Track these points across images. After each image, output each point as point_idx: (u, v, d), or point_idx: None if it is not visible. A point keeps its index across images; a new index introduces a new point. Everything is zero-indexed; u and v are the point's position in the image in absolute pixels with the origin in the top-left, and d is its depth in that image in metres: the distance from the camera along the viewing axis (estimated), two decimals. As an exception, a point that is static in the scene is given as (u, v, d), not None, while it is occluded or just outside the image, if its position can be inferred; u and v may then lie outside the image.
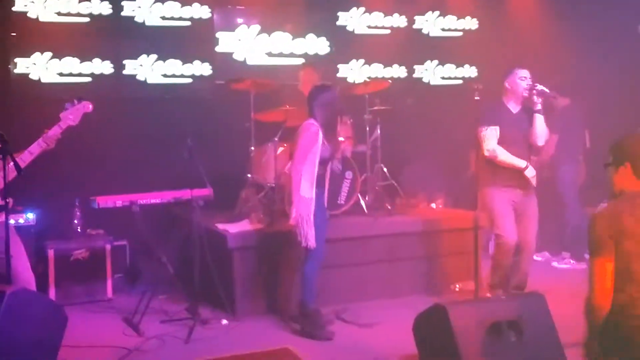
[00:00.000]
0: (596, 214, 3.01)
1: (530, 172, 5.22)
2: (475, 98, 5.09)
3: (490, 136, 5.22)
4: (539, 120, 5.23)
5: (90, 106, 4.48)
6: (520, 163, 5.20)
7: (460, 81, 8.26)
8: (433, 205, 6.80)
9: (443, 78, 8.25)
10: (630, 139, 3.10)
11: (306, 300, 4.96)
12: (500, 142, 5.21)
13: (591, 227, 2.96)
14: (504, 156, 5.21)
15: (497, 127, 5.24)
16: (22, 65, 6.40)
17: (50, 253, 5.73)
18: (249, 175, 6.15)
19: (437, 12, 8.18)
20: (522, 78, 5.25)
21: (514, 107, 5.34)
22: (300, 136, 4.90)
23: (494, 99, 5.39)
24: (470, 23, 8.37)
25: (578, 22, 7.72)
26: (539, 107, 5.20)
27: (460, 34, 8.33)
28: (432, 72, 8.20)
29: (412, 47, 8.04)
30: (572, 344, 3.70)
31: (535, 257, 6.36)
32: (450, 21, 8.27)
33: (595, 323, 2.96)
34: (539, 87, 5.19)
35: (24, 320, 3.39)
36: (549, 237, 6.84)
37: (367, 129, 6.47)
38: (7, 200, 3.93)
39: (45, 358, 3.55)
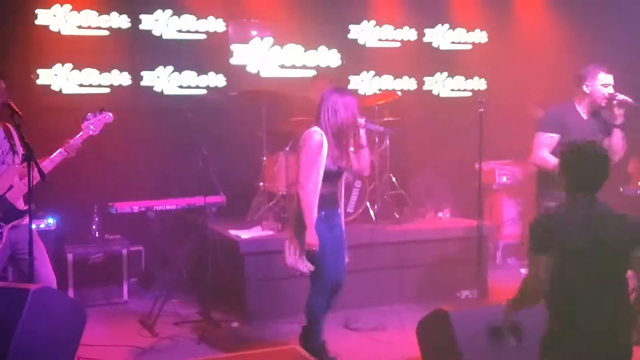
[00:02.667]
0: (539, 216, 3.14)
1: None
2: (480, 110, 5.20)
3: (540, 144, 4.77)
4: (618, 136, 4.75)
5: (111, 117, 4.66)
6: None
7: (470, 93, 8.39)
8: (440, 214, 6.95)
9: (452, 90, 8.40)
10: (571, 152, 3.09)
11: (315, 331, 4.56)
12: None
13: (534, 227, 3.04)
14: (552, 161, 4.60)
15: (556, 135, 4.77)
16: (45, 77, 6.63)
17: (70, 257, 5.95)
18: (261, 184, 6.35)
19: (446, 25, 8.32)
20: (605, 85, 4.77)
21: (584, 113, 4.88)
22: (302, 148, 4.39)
23: (563, 101, 5.01)
24: (480, 36, 8.50)
25: (588, 34, 7.84)
26: (620, 120, 4.73)
27: (469, 46, 8.47)
28: (441, 85, 8.36)
29: (421, 59, 8.18)
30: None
31: None
32: (460, 34, 8.41)
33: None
34: (620, 96, 4.71)
35: (46, 316, 3.59)
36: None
37: (377, 139, 6.65)
38: (31, 204, 4.14)
39: (65, 353, 3.75)
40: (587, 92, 4.81)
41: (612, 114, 4.81)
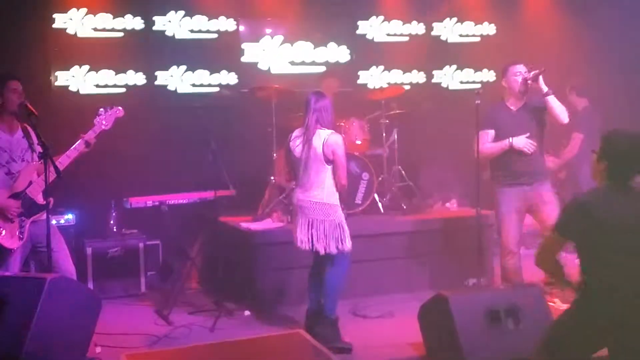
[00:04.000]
0: (574, 200, 3.23)
1: (519, 142, 5.24)
2: (477, 102, 5.33)
3: (479, 139, 5.32)
4: (552, 101, 5.22)
5: (122, 111, 4.85)
6: (502, 144, 5.28)
7: (479, 85, 8.49)
8: (448, 205, 7.07)
9: (462, 82, 8.51)
10: (617, 138, 3.26)
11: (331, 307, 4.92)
12: (501, 140, 5.33)
13: (565, 209, 3.21)
14: (490, 149, 5.34)
15: (491, 131, 5.38)
16: (62, 78, 6.89)
17: (89, 251, 6.19)
18: (272, 178, 6.53)
19: (454, 19, 8.43)
20: (517, 74, 5.33)
21: (514, 105, 5.42)
22: (338, 151, 4.82)
23: (496, 101, 5.58)
24: (488, 29, 8.59)
25: (595, 25, 7.90)
26: (544, 90, 5.19)
27: (478, 39, 8.56)
28: (450, 77, 8.48)
29: (430, 53, 8.30)
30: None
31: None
32: (468, 27, 8.51)
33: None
34: (531, 74, 5.23)
35: (62, 304, 3.81)
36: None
37: (384, 133, 6.80)
38: (49, 199, 4.37)
39: (81, 338, 3.97)
40: (506, 86, 5.44)
41: (538, 90, 5.26)
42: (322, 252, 4.85)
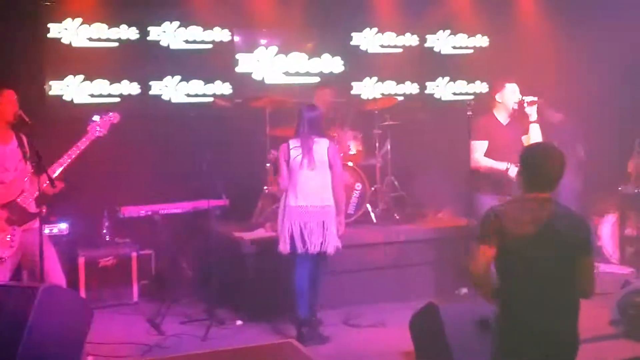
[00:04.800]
0: (490, 210, 3.22)
1: (513, 172, 5.34)
2: (468, 113, 5.39)
3: (477, 149, 5.55)
4: (535, 129, 5.49)
5: (117, 117, 4.87)
6: (501, 166, 5.43)
7: (472, 97, 8.52)
8: (440, 214, 7.10)
9: (454, 94, 8.56)
10: (531, 150, 3.35)
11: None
12: (493, 152, 5.51)
13: (482, 220, 3.20)
14: (487, 163, 5.53)
15: (486, 142, 5.55)
16: (57, 88, 6.90)
17: (81, 260, 6.18)
18: (265, 188, 6.55)
19: (448, 31, 8.49)
20: (512, 92, 5.57)
21: (504, 119, 5.64)
22: (338, 160, 5.33)
23: (486, 113, 5.70)
24: (481, 41, 8.65)
25: (588, 37, 7.96)
26: (533, 117, 5.49)
27: (471, 51, 8.63)
28: (443, 88, 8.53)
29: (423, 64, 8.35)
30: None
31: None
32: (461, 39, 8.57)
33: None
34: (528, 98, 5.50)
35: (54, 312, 3.82)
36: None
37: (377, 143, 6.84)
38: (42, 209, 4.38)
39: (73, 347, 3.97)
40: (500, 101, 5.63)
41: (525, 115, 5.53)
42: (331, 252, 5.21)
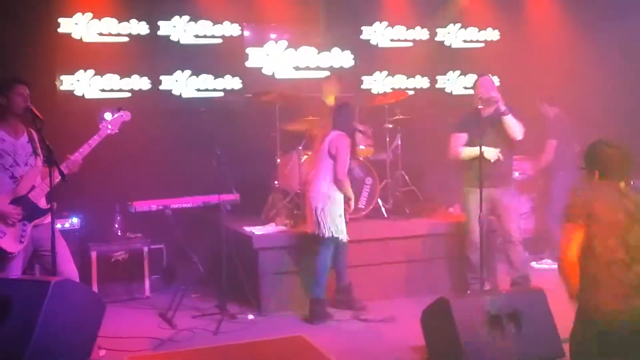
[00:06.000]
0: (576, 191, 3.38)
1: (489, 153, 5.54)
2: (479, 107, 5.38)
3: (453, 141, 5.81)
4: (507, 120, 5.62)
5: (129, 115, 4.87)
6: (476, 150, 5.46)
7: (483, 90, 8.49)
8: (451, 209, 7.08)
9: (465, 88, 8.51)
10: (597, 149, 3.44)
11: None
12: (471, 144, 5.65)
13: (571, 200, 3.33)
14: (463, 153, 5.73)
15: (463, 134, 5.77)
16: (67, 82, 6.94)
17: (93, 255, 6.21)
18: (275, 182, 6.55)
19: (458, 25, 8.46)
20: (478, 86, 5.77)
21: (485, 112, 5.67)
22: (343, 146, 5.59)
23: (469, 107, 5.85)
24: (492, 34, 8.62)
25: (598, 30, 7.92)
26: (501, 109, 5.61)
27: (482, 45, 8.59)
28: (454, 82, 8.50)
29: (434, 58, 8.34)
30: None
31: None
32: (472, 33, 8.54)
33: (570, 279, 3.32)
34: (485, 95, 5.60)
35: (66, 306, 3.83)
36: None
37: (387, 138, 6.82)
38: (53, 204, 4.38)
39: (85, 341, 4.00)
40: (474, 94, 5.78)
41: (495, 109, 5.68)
42: (325, 235, 5.50)
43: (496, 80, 8.54)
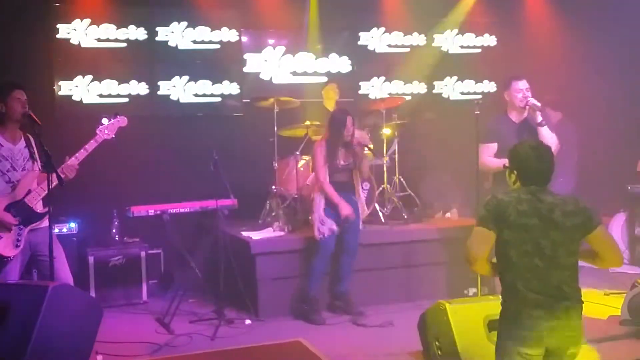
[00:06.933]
0: (491, 198, 3.24)
1: None
2: (476, 112, 5.37)
3: (483, 152, 5.49)
4: (543, 132, 5.43)
5: (126, 120, 4.86)
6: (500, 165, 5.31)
7: (480, 96, 8.50)
8: (448, 214, 7.10)
9: (462, 93, 8.55)
10: (517, 150, 3.35)
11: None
12: (504, 154, 5.36)
13: (484, 206, 3.22)
14: (493, 163, 5.43)
15: (493, 144, 5.46)
16: (66, 88, 6.94)
17: (91, 259, 6.21)
18: (273, 187, 6.56)
19: (455, 31, 8.48)
20: (518, 90, 5.48)
21: (516, 118, 5.55)
22: (316, 152, 5.89)
23: (498, 113, 5.65)
24: (489, 40, 8.65)
25: (595, 37, 7.95)
26: (538, 119, 5.45)
27: (479, 50, 8.62)
28: (451, 88, 8.52)
29: (431, 64, 8.35)
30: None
31: None
32: (469, 39, 8.56)
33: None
34: (531, 100, 5.42)
35: (64, 311, 3.83)
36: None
37: (385, 143, 6.84)
38: (49, 207, 4.39)
39: (83, 346, 3.99)
40: (507, 99, 5.55)
41: (531, 117, 5.49)
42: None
43: (493, 86, 8.67)
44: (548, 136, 5.41)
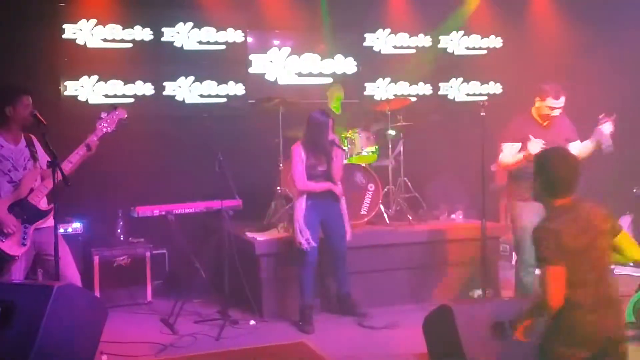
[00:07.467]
0: (544, 232, 3.19)
1: (533, 147, 5.03)
2: (481, 114, 5.36)
3: (504, 151, 5.31)
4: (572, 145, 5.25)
5: (125, 112, 4.82)
6: (519, 156, 5.17)
7: (485, 97, 8.47)
8: (453, 216, 7.08)
9: (468, 95, 8.53)
10: (546, 157, 3.34)
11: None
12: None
13: (543, 243, 3.17)
14: (506, 159, 5.27)
15: (518, 144, 5.22)
16: (71, 88, 6.95)
17: (96, 259, 6.21)
18: (278, 188, 6.56)
19: (461, 32, 8.47)
20: (552, 108, 5.25)
21: (540, 119, 5.35)
22: (292, 155, 5.77)
23: (524, 113, 5.48)
24: (495, 41, 8.63)
25: (602, 37, 7.93)
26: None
27: (484, 52, 8.61)
28: (457, 89, 8.51)
29: (437, 65, 8.35)
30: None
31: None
32: (475, 40, 8.55)
33: (540, 317, 3.30)
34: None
35: (69, 311, 3.83)
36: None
37: (390, 144, 6.83)
38: (53, 204, 4.40)
39: (87, 346, 4.00)
40: (537, 106, 5.32)
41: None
42: None
43: (498, 87, 8.65)
44: (576, 147, 5.23)
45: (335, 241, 5.72)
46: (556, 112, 5.25)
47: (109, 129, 4.70)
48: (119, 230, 6.51)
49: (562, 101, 5.25)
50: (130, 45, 7.12)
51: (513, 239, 5.62)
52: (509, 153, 5.27)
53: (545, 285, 3.15)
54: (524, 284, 5.38)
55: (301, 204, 5.58)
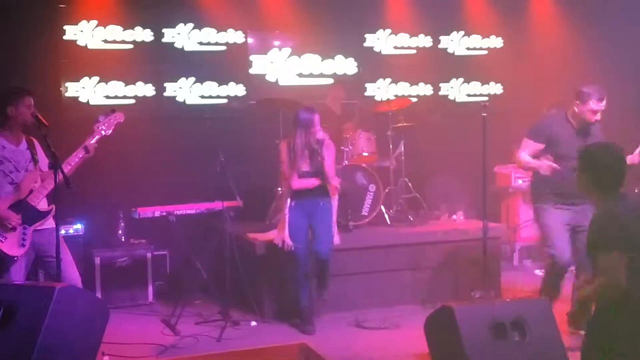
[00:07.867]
0: (609, 217, 3.19)
1: (544, 170, 4.99)
2: (483, 115, 5.36)
3: (525, 147, 5.16)
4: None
5: (122, 116, 4.81)
6: (536, 164, 5.07)
7: (486, 98, 8.48)
8: (454, 216, 7.08)
9: (468, 95, 8.53)
10: (595, 153, 3.35)
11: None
12: (554, 157, 5.05)
13: (606, 228, 3.16)
14: (524, 161, 5.15)
15: (540, 145, 5.10)
16: (72, 89, 6.95)
17: (97, 260, 6.22)
18: (279, 189, 6.56)
19: (462, 32, 8.47)
20: (594, 111, 5.01)
21: (577, 123, 5.10)
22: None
23: (560, 110, 5.34)
24: (495, 42, 8.62)
25: (603, 37, 7.93)
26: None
27: (485, 52, 8.60)
28: (457, 90, 8.51)
29: (437, 65, 8.34)
30: (575, 347, 3.90)
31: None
32: (475, 40, 8.54)
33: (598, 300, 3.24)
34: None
35: (71, 312, 3.82)
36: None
37: (391, 145, 6.83)
38: (53, 205, 4.41)
39: (89, 347, 3.99)
40: (577, 111, 5.07)
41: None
42: None
43: (499, 87, 8.65)
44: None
45: (318, 245, 5.53)
46: (598, 117, 5.03)
47: (106, 132, 4.70)
48: (120, 232, 6.52)
49: (604, 104, 5.03)
50: (130, 46, 7.12)
51: (541, 241, 5.48)
52: (530, 152, 5.12)
53: (610, 270, 3.10)
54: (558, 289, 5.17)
55: (286, 206, 5.50)
